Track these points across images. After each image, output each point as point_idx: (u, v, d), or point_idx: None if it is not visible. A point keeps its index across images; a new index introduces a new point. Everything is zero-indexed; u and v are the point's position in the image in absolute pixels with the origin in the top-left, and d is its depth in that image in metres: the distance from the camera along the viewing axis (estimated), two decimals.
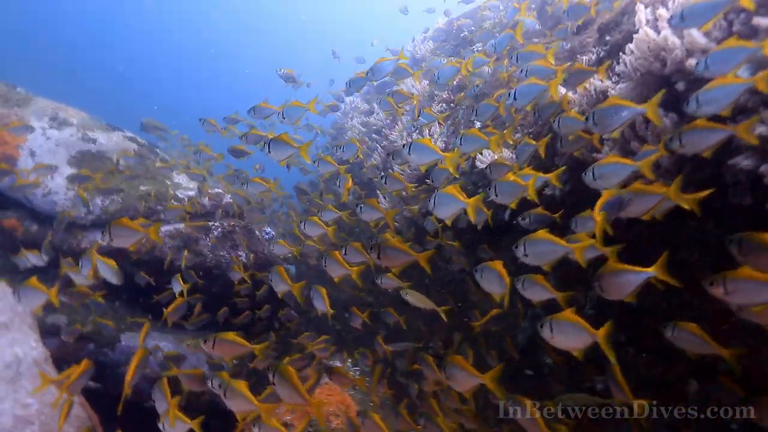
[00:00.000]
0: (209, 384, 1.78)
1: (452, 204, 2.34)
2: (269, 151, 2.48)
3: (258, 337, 4.16)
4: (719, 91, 1.65)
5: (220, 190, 4.79)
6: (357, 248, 2.39)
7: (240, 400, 1.72)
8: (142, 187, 4.68)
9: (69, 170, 4.42)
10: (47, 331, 3.66)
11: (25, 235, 4.04)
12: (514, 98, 2.67)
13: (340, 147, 2.98)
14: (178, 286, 3.24)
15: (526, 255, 2.05)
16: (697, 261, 2.12)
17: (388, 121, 6.68)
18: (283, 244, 3.53)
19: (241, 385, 1.71)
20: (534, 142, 2.73)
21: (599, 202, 1.85)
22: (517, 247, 2.08)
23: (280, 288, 2.64)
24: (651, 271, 1.71)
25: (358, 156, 3.52)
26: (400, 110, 3.82)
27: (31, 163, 4.30)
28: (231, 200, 4.80)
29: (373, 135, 6.35)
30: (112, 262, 2.67)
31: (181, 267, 3.94)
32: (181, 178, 5.13)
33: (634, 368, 2.44)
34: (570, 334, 1.76)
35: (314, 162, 3.02)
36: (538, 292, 2.05)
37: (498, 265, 2.09)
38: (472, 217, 2.63)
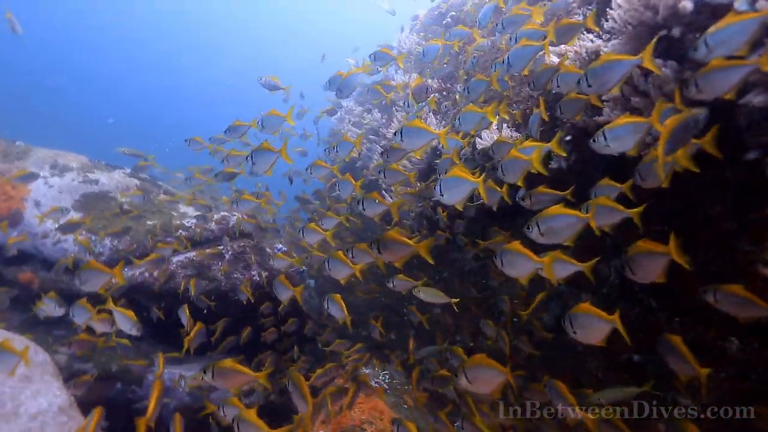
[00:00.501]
0: (220, 412, 1.74)
1: (461, 186, 2.22)
2: (253, 164, 2.44)
3: (286, 354, 4.12)
4: (731, 29, 1.50)
5: (225, 213, 4.77)
6: (363, 249, 2.32)
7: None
8: (149, 222, 4.68)
9: (75, 215, 4.44)
10: (74, 376, 3.69)
11: (41, 286, 4.06)
12: (509, 64, 2.58)
13: (334, 147, 2.91)
14: (184, 317, 3.21)
15: (542, 234, 1.94)
16: (719, 213, 2.01)
17: (384, 120, 6.61)
18: (281, 257, 3.48)
19: (252, 416, 1.65)
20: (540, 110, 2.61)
21: (662, 139, 1.63)
22: (530, 228, 1.97)
23: (284, 295, 2.63)
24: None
25: (355, 153, 3.45)
26: (389, 96, 3.72)
27: (38, 213, 4.32)
28: (237, 220, 4.78)
29: (371, 136, 6.28)
30: (130, 313, 2.63)
31: (195, 295, 3.92)
32: (187, 208, 5.15)
33: (670, 332, 2.33)
34: (589, 327, 1.83)
35: (307, 169, 2.98)
36: (562, 268, 1.95)
37: (517, 246, 1.99)
38: (484, 197, 2.52)
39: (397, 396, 3.74)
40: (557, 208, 1.92)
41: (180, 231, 4.58)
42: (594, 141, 1.91)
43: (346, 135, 3.24)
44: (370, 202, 2.56)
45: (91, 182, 4.91)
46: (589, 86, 2.01)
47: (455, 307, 2.60)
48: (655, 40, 1.78)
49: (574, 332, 1.86)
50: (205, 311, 3.98)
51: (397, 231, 2.24)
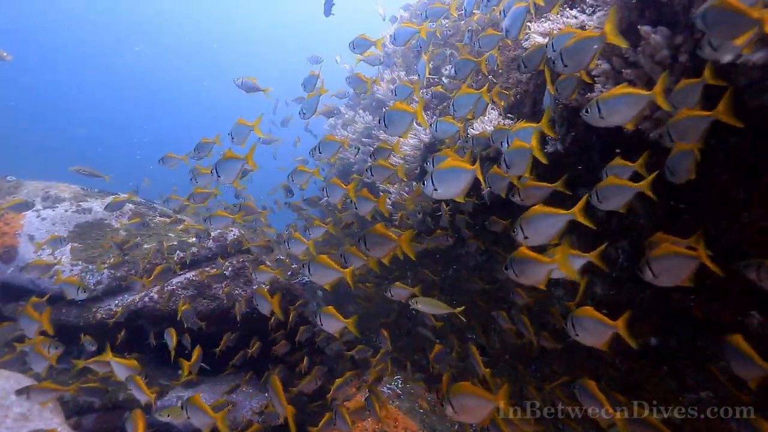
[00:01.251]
0: None
1: (459, 176, 2.06)
2: (218, 176, 2.36)
3: (298, 365, 4.02)
4: None
5: (222, 230, 4.70)
6: (352, 251, 2.23)
7: None
8: (145, 246, 4.62)
9: (70, 246, 4.37)
10: (82, 410, 3.62)
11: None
12: (506, 30, 2.51)
13: (317, 148, 2.79)
14: (170, 340, 3.13)
15: (526, 237, 1.89)
16: (728, 180, 1.91)
17: (375, 122, 6.54)
18: (264, 270, 3.39)
19: None
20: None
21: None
22: (515, 231, 1.91)
23: (264, 307, 2.56)
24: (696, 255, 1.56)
25: (346, 155, 3.38)
26: (369, 82, 3.64)
27: (32, 248, 4.26)
28: (236, 236, 4.71)
29: (364, 139, 6.21)
30: (132, 362, 2.54)
31: (200, 315, 3.85)
32: (184, 228, 5.08)
33: (684, 311, 2.23)
34: (591, 330, 1.77)
35: (289, 177, 2.89)
36: (573, 261, 1.85)
37: (524, 252, 1.87)
38: (483, 182, 2.38)
39: (412, 401, 3.64)
40: (539, 208, 1.85)
41: (178, 252, 4.52)
42: (586, 112, 1.81)
43: (330, 135, 3.12)
44: (361, 200, 2.46)
45: (85, 211, 4.84)
46: (566, 66, 1.93)
47: (461, 316, 2.48)
48: (612, 13, 1.69)
49: (576, 334, 1.82)
50: (212, 330, 3.91)
51: (382, 225, 2.14)
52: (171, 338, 3.10)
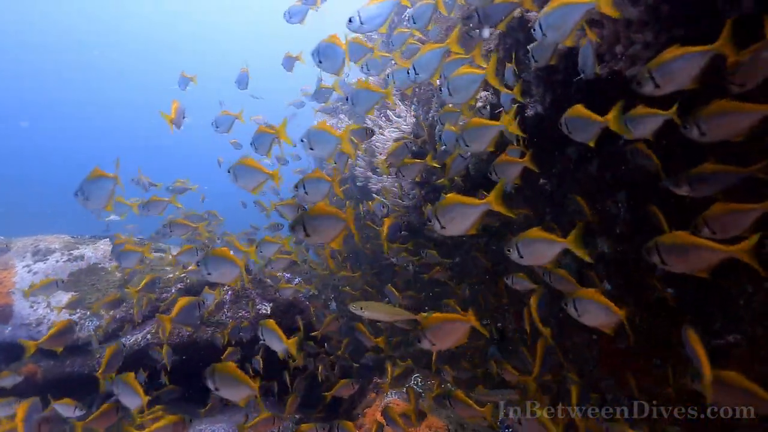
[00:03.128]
0: None
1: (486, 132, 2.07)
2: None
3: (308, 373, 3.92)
4: None
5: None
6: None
7: None
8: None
9: (66, 296, 4.29)
10: None
11: (44, 376, 3.89)
12: None
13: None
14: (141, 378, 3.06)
15: (521, 257, 1.88)
16: None
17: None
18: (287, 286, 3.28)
19: None
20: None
21: None
22: (509, 251, 1.90)
23: (277, 346, 2.46)
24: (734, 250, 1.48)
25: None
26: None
27: (27, 304, 4.18)
28: None
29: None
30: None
31: (203, 342, 3.74)
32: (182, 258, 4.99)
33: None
34: (594, 313, 1.83)
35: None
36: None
37: (535, 232, 1.86)
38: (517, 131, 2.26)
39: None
40: (536, 232, 1.86)
41: (177, 284, 4.42)
42: (534, 30, 1.80)
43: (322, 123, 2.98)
44: (311, 181, 2.20)
45: (77, 258, 4.76)
46: (545, 35, 1.84)
47: (421, 321, 2.38)
48: None
49: (579, 315, 1.87)
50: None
51: (327, 202, 2.04)
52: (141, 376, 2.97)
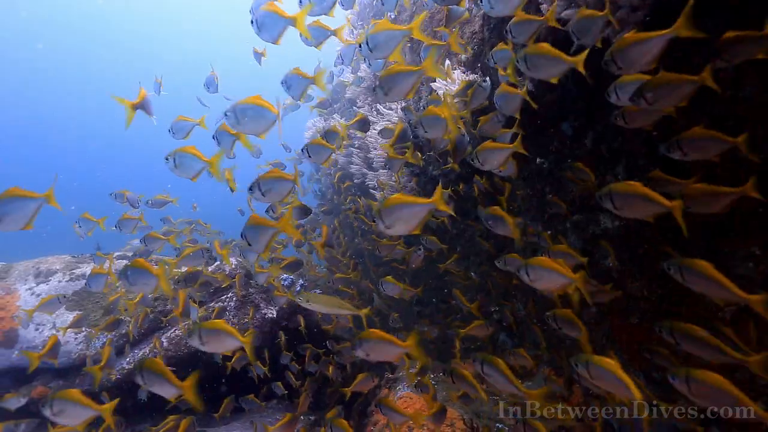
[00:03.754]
0: None
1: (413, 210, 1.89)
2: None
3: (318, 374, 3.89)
4: None
5: (218, 262, 4.58)
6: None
7: None
8: (148, 296, 4.50)
9: (70, 316, 4.26)
10: None
11: None
12: None
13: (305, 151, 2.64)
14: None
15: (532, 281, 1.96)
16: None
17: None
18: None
19: None
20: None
21: None
22: (519, 272, 1.99)
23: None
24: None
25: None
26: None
27: (32, 327, 4.16)
28: (233, 267, 4.58)
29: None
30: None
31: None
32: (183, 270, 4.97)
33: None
34: (547, 278, 1.92)
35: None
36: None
37: (542, 260, 1.94)
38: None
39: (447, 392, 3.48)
40: (545, 260, 1.94)
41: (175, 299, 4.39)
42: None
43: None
44: (267, 181, 2.11)
45: (79, 278, 4.73)
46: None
47: (364, 319, 2.38)
48: None
49: (531, 280, 1.96)
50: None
51: (278, 170, 2.03)
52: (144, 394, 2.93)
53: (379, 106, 4.60)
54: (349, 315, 2.34)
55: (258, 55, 3.89)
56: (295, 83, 2.56)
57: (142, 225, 3.59)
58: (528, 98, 2.26)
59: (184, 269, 3.75)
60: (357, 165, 5.61)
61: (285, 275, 5.87)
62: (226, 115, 2.11)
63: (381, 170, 4.73)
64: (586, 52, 1.80)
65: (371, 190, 5.10)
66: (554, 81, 1.97)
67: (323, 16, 2.77)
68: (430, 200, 1.70)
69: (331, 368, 3.66)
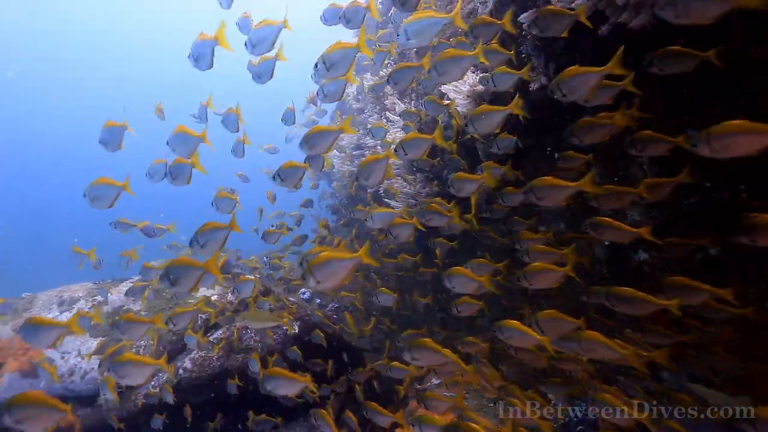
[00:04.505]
0: None
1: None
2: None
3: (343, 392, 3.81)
4: None
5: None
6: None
7: None
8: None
9: (94, 342, 4.27)
10: None
11: (83, 424, 3.87)
12: None
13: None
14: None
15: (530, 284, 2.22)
16: None
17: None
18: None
19: None
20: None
21: None
22: (519, 280, 2.24)
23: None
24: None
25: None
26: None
27: (57, 356, 4.18)
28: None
29: (354, 152, 6.07)
30: None
31: (235, 369, 3.67)
32: (205, 291, 4.99)
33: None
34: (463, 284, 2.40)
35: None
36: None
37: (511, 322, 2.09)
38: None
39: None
40: (541, 265, 2.20)
41: (201, 316, 4.38)
42: None
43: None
44: (206, 233, 2.12)
45: (102, 303, 4.76)
46: None
47: (289, 328, 2.46)
48: None
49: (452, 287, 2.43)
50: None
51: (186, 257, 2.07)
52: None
53: (388, 113, 4.57)
54: (272, 326, 2.58)
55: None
56: (181, 143, 2.58)
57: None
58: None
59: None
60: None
61: (304, 289, 5.85)
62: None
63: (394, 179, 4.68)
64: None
65: (384, 199, 5.07)
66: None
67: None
68: (356, 255, 1.82)
69: (359, 387, 3.58)
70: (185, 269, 1.97)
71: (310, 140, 2.38)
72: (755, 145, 1.45)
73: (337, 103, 5.73)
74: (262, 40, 2.54)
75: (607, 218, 2.13)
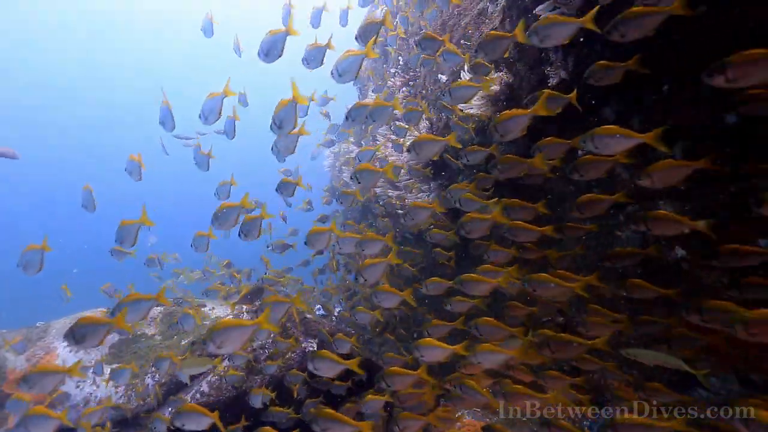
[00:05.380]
0: None
1: None
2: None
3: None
4: None
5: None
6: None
7: None
8: (183, 342, 4.43)
9: (109, 367, 4.18)
10: None
11: None
12: None
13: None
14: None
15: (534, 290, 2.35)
16: None
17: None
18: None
19: None
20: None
21: None
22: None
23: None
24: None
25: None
26: None
27: (73, 385, 4.10)
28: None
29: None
30: None
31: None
32: (219, 311, 4.93)
33: None
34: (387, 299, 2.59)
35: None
36: None
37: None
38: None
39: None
40: (545, 276, 2.29)
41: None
42: None
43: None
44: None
45: (116, 330, 4.68)
46: None
47: (269, 329, 2.48)
48: None
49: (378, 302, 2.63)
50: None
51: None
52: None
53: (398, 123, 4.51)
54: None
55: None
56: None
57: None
58: None
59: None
60: (381, 186, 5.52)
61: (318, 305, 5.75)
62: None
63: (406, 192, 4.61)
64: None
65: (397, 210, 4.98)
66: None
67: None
68: (255, 322, 1.99)
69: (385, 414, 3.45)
70: (93, 326, 2.04)
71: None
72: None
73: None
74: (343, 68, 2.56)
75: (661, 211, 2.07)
